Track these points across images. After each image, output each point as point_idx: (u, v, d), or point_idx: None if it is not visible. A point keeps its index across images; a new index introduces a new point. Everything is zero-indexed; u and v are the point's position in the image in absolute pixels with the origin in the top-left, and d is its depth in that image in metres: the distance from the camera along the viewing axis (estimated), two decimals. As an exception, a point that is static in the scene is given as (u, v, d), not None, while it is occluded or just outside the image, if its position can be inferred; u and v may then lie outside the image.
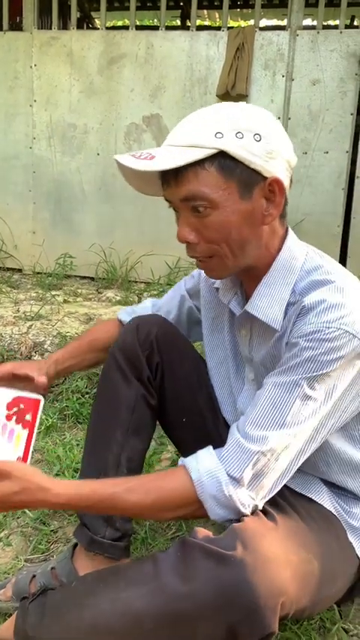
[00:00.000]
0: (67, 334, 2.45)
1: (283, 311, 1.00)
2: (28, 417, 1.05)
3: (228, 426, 1.20)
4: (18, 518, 1.49)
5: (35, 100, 3.79)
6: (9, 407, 1.06)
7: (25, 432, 1.04)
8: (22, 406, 1.06)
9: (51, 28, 3.78)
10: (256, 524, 0.89)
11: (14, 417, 1.05)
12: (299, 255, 1.03)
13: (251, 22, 3.81)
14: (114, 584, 0.88)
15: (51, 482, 0.91)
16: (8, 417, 1.05)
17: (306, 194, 3.45)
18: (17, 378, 1.19)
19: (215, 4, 5.97)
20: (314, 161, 3.41)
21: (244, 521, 0.90)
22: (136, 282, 3.63)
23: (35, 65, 3.75)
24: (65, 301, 3.22)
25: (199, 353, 1.29)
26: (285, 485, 0.97)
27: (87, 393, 2.15)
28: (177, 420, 1.26)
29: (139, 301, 2.92)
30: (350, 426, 1.03)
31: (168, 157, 0.91)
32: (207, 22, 7.19)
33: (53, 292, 3.37)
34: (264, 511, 0.94)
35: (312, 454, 0.96)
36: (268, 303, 1.01)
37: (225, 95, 3.40)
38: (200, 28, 3.77)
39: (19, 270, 4.00)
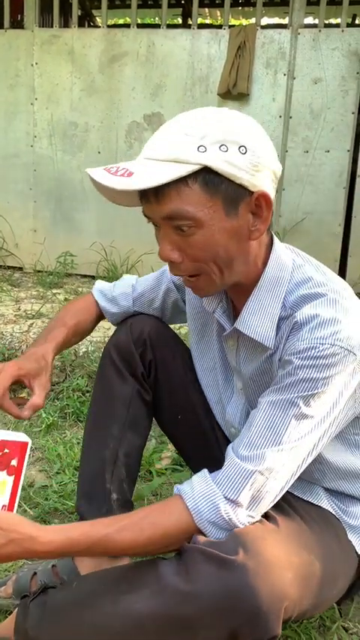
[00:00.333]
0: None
1: (274, 328, 0.97)
2: (14, 462, 0.97)
3: (221, 428, 1.20)
4: (18, 516, 1.49)
5: (36, 99, 3.79)
6: None
7: (11, 479, 0.97)
8: (7, 450, 0.97)
9: (52, 26, 3.78)
10: (257, 527, 0.89)
11: None
12: (287, 264, 0.98)
13: (253, 20, 3.81)
14: (115, 586, 0.88)
15: (39, 529, 0.87)
16: None
17: (307, 193, 3.45)
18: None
19: (217, 2, 5.96)
20: (315, 160, 3.41)
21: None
22: (137, 280, 3.63)
23: (36, 63, 3.75)
24: (66, 299, 3.22)
25: (190, 352, 1.29)
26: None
27: (87, 391, 2.15)
28: (172, 417, 1.27)
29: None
30: (346, 431, 1.02)
31: (147, 173, 0.84)
32: (208, 21, 7.18)
33: (54, 291, 3.38)
34: (265, 514, 0.94)
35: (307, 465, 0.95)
36: (258, 319, 0.98)
37: (226, 94, 3.40)
38: (201, 26, 3.77)
39: (20, 269, 4.00)
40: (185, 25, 5.59)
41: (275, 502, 0.92)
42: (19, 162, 3.90)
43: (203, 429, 1.23)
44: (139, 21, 5.87)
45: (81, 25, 4.96)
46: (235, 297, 1.04)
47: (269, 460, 0.88)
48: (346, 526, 1.05)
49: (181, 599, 0.81)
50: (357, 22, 5.72)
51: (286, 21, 3.94)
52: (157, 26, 3.82)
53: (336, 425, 0.94)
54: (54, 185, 3.84)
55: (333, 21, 5.66)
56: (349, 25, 3.68)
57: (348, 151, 3.36)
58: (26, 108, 3.82)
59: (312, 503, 1.04)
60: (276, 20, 6.91)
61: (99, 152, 3.73)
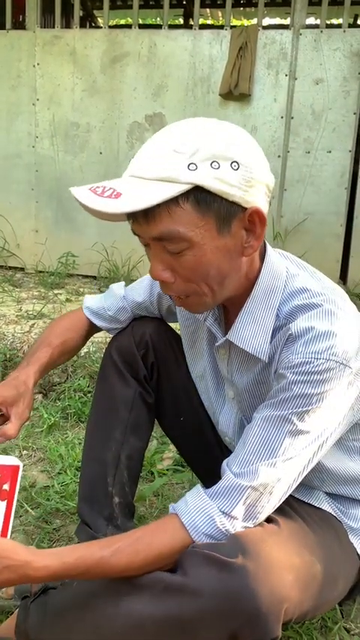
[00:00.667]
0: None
1: (268, 340, 0.94)
2: (6, 486, 0.96)
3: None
4: (20, 516, 1.49)
5: (38, 99, 3.79)
6: None
7: (3, 504, 0.95)
8: None
9: (54, 27, 3.78)
10: (257, 529, 0.89)
11: None
12: (280, 273, 0.95)
13: (254, 20, 3.81)
14: (116, 587, 0.88)
15: (33, 554, 0.85)
16: None
17: (308, 193, 3.45)
18: None
19: (218, 2, 5.96)
20: (317, 160, 3.41)
21: None
22: (139, 281, 3.63)
23: (38, 64, 3.75)
24: (68, 300, 3.22)
25: None
26: None
27: (89, 392, 2.15)
28: (175, 419, 1.26)
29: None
30: (345, 437, 1.01)
31: (136, 194, 0.81)
32: (210, 21, 7.18)
33: (56, 291, 3.38)
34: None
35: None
36: (252, 332, 0.95)
37: (228, 94, 3.40)
38: (203, 26, 3.77)
39: (22, 269, 4.00)
40: (187, 26, 5.59)
41: (273, 510, 0.91)
42: (20, 163, 3.90)
43: (205, 431, 1.23)
44: (141, 21, 5.87)
45: (83, 25, 4.96)
46: (228, 306, 1.02)
47: (263, 476, 0.87)
48: (347, 528, 1.05)
49: (182, 601, 0.81)
50: (359, 22, 5.72)
51: (287, 21, 3.93)
52: (158, 27, 3.82)
53: (334, 437, 0.93)
54: (55, 185, 3.84)
55: (335, 21, 5.66)
56: (350, 26, 3.68)
57: (350, 151, 3.36)
58: (28, 108, 3.82)
59: (313, 505, 1.04)
60: (277, 21, 6.91)
61: (100, 152, 3.73)
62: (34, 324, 2.64)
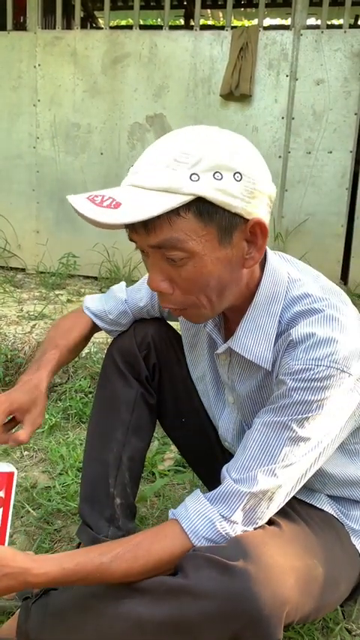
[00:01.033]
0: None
1: (271, 348, 0.93)
2: (1, 493, 0.95)
3: None
4: (22, 517, 1.49)
5: (39, 100, 3.79)
6: None
7: (0, 511, 0.95)
8: None
9: (55, 28, 3.78)
10: (259, 532, 0.89)
11: None
12: (282, 278, 0.94)
13: (255, 21, 3.81)
14: (117, 589, 0.88)
15: (32, 561, 0.85)
16: None
17: (309, 194, 3.45)
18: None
19: (219, 3, 5.97)
20: (318, 161, 3.41)
21: None
22: (140, 281, 3.63)
23: (39, 65, 3.75)
24: (69, 301, 3.22)
25: None
26: None
27: (90, 392, 2.15)
28: (176, 420, 1.26)
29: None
30: (347, 441, 1.01)
31: (136, 205, 0.78)
32: (210, 22, 7.19)
33: (57, 292, 3.38)
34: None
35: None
36: (254, 340, 0.94)
37: (229, 95, 3.40)
38: (204, 27, 3.77)
39: (23, 270, 4.01)
40: (187, 27, 5.59)
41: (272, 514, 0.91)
42: (21, 164, 3.90)
43: (206, 432, 1.23)
44: (142, 22, 5.88)
45: (83, 26, 4.97)
46: (228, 313, 1.01)
47: (262, 483, 0.86)
48: (349, 530, 1.04)
49: (183, 603, 0.81)
50: (359, 23, 5.72)
51: (288, 22, 3.94)
52: (159, 27, 3.82)
53: (335, 443, 0.93)
54: (56, 186, 3.84)
55: (335, 22, 5.66)
56: (351, 26, 3.68)
57: (350, 151, 3.36)
58: (29, 109, 3.83)
59: (315, 506, 1.04)
60: (278, 21, 6.91)
61: (101, 153, 3.73)
62: (35, 324, 2.64)
